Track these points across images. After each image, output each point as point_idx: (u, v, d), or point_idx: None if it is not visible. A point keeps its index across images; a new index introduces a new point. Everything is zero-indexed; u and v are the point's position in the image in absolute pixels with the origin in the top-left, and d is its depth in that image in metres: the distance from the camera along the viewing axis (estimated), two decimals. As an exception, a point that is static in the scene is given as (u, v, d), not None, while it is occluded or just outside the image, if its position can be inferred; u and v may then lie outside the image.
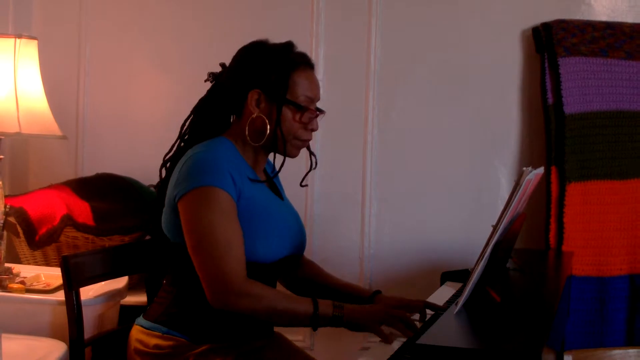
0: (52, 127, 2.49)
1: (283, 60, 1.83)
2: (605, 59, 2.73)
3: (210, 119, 1.89)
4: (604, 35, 2.74)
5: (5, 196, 2.45)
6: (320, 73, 2.88)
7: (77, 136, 3.01)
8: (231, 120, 1.92)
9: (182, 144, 1.90)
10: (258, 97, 1.82)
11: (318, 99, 1.88)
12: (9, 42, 2.42)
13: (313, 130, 1.87)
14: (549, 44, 2.73)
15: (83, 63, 3.02)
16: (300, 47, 1.92)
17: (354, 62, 2.90)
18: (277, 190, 1.98)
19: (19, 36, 2.45)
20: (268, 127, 1.81)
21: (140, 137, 2.98)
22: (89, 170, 2.95)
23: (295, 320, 1.73)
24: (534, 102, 2.82)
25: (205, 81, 1.93)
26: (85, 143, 3.03)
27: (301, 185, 1.97)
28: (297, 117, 1.83)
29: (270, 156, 1.93)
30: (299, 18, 2.90)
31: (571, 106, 2.71)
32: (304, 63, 1.86)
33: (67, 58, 3.03)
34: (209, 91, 1.92)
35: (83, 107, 3.03)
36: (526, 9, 2.82)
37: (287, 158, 1.88)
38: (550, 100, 2.74)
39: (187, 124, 1.91)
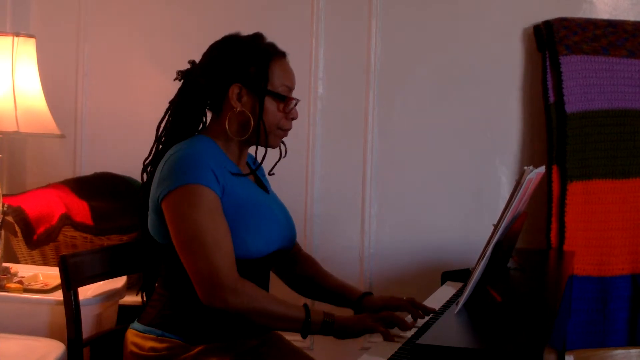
0: (50, 125, 2.49)
1: (258, 51, 1.83)
2: (606, 57, 2.72)
3: (186, 118, 1.87)
4: (606, 34, 2.73)
5: (3, 195, 2.44)
6: (320, 73, 2.87)
7: (75, 135, 3.01)
8: (207, 118, 1.91)
9: (160, 146, 1.88)
10: (239, 91, 1.82)
11: (294, 87, 1.89)
12: (7, 40, 2.42)
13: (294, 118, 1.88)
14: (551, 42, 2.72)
15: (81, 61, 3.02)
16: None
17: (354, 62, 2.89)
18: (262, 184, 1.97)
19: (17, 34, 2.44)
20: (252, 120, 1.81)
21: (138, 136, 2.94)
22: (87, 169, 2.95)
23: (286, 324, 1.73)
24: (535, 100, 2.82)
25: (175, 80, 1.91)
26: (84, 142, 3.02)
27: (269, 174, 1.98)
28: (281, 107, 1.84)
29: (252, 150, 1.92)
30: (299, 18, 2.89)
31: (572, 105, 2.70)
32: (277, 53, 1.86)
33: (66, 56, 3.02)
34: (180, 90, 1.90)
35: (81, 105, 3.02)
36: (527, 7, 2.82)
37: (268, 149, 1.87)
38: (551, 99, 2.73)
39: (162, 126, 1.89)
